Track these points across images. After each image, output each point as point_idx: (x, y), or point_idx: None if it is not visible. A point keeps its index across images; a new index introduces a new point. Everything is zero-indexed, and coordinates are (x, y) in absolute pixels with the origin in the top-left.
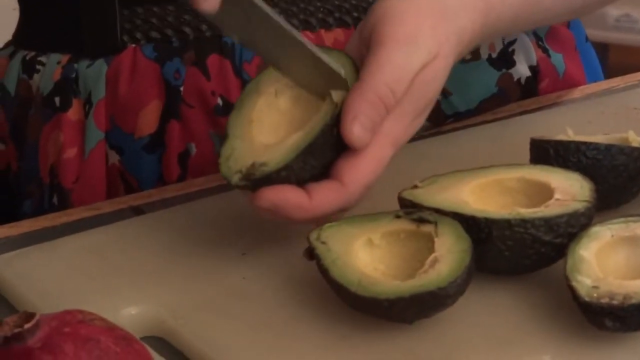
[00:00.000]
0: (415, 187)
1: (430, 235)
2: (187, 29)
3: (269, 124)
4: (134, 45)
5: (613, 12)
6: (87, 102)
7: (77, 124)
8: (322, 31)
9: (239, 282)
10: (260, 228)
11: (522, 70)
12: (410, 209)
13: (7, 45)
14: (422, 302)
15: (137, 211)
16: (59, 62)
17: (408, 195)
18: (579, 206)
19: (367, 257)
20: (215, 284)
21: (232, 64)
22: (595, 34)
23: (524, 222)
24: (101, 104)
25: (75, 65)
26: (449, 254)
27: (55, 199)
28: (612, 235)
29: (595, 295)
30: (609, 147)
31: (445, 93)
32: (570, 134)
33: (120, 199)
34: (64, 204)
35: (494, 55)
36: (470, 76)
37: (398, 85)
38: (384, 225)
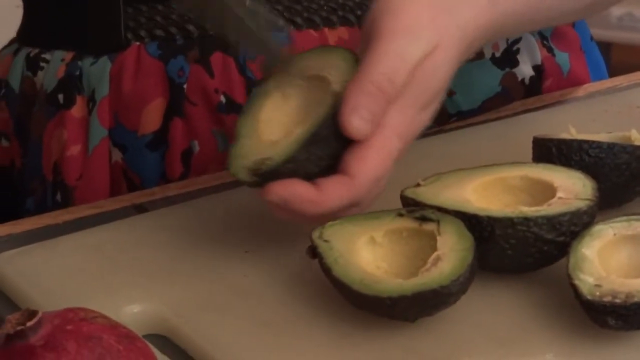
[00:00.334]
0: (418, 185)
1: (432, 233)
2: (191, 27)
3: (277, 124)
4: (138, 43)
5: (616, 11)
6: (91, 100)
7: (80, 122)
8: (326, 29)
9: (241, 280)
10: (262, 226)
11: (525, 70)
12: (412, 207)
13: (11, 42)
14: (425, 301)
15: (140, 209)
16: (62, 60)
17: (411, 193)
18: (581, 205)
19: (370, 255)
20: (217, 282)
21: (235, 61)
22: (598, 33)
23: (526, 220)
24: (105, 102)
25: (79, 63)
26: (451, 252)
27: (58, 196)
28: (615, 234)
29: (597, 293)
30: (611, 146)
31: (448, 92)
32: (573, 133)
33: (123, 197)
34: (67, 201)
35: (498, 55)
36: (474, 75)
37: (396, 75)
38: (386, 223)
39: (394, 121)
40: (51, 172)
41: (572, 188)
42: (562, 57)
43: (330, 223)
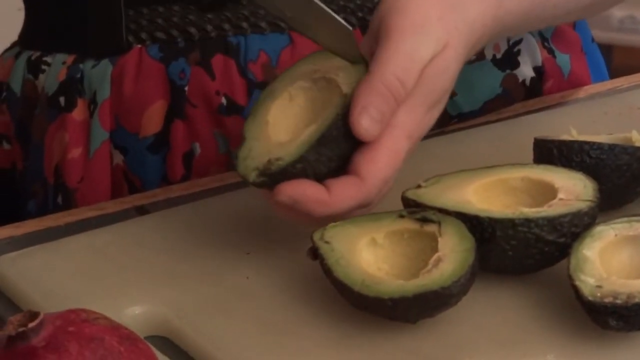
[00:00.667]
0: (419, 186)
1: (433, 234)
2: (192, 30)
3: (284, 126)
4: (139, 46)
5: (617, 13)
6: (92, 102)
7: (82, 124)
8: None
9: (242, 281)
10: (264, 228)
11: (526, 71)
12: (414, 208)
13: (12, 45)
14: (426, 302)
15: (142, 211)
16: (64, 63)
17: (412, 195)
18: (582, 206)
19: (371, 256)
20: (219, 283)
21: (236, 63)
22: (599, 35)
23: (527, 221)
24: (106, 104)
25: (81, 66)
26: (452, 253)
27: (59, 199)
28: (616, 235)
29: (598, 294)
30: (612, 147)
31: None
32: (573, 134)
33: (125, 199)
34: (69, 204)
35: (499, 56)
36: (475, 77)
37: (407, 76)
38: (387, 224)
39: (404, 121)
40: (52, 175)
41: (573, 189)
42: (563, 59)
43: (331, 224)
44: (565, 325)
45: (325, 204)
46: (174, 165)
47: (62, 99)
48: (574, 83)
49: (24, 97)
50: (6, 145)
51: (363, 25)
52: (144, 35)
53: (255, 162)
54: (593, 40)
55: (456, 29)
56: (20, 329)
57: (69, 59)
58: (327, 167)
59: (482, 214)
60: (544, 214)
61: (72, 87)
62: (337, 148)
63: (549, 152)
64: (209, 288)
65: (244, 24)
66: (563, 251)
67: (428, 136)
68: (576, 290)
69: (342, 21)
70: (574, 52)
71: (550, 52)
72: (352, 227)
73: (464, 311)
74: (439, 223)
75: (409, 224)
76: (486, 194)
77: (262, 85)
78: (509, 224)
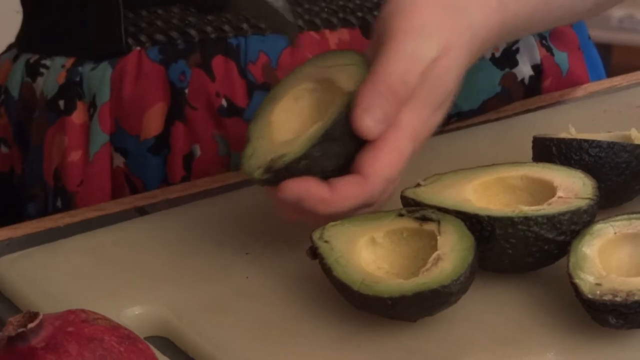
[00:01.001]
0: (418, 185)
1: (433, 233)
2: (192, 31)
3: (288, 126)
4: (139, 48)
5: (616, 12)
6: (92, 106)
7: (81, 127)
8: (327, 31)
9: (242, 281)
10: (263, 228)
11: (525, 69)
12: (413, 207)
13: (9, 47)
14: (426, 300)
15: (141, 212)
16: (63, 66)
17: (411, 193)
18: (581, 204)
19: (370, 255)
20: (219, 283)
21: (237, 65)
22: (598, 34)
23: (526, 220)
24: (106, 107)
25: (80, 69)
26: (452, 252)
27: (59, 202)
28: (615, 233)
29: (598, 292)
30: (611, 145)
31: None
32: (572, 132)
33: (124, 200)
34: (68, 207)
35: (497, 55)
36: (474, 76)
37: (409, 76)
38: (386, 223)
39: (408, 122)
40: (52, 178)
41: (572, 187)
42: (561, 57)
43: (330, 224)
44: (565, 323)
45: (327, 203)
46: (175, 167)
47: (61, 102)
48: (572, 81)
49: (22, 100)
50: (4, 149)
51: (363, 25)
52: (143, 38)
53: (260, 160)
54: (589, 37)
55: (458, 33)
56: (20, 330)
57: (68, 62)
58: (333, 164)
59: (482, 213)
60: (543, 212)
61: (72, 90)
62: (342, 145)
63: (548, 151)
64: (209, 288)
65: (244, 25)
66: (562, 249)
67: None
68: (576, 288)
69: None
70: (572, 50)
71: (549, 50)
72: (351, 226)
73: (464, 310)
74: (439, 222)
75: (408, 223)
76: (485, 193)
77: (263, 87)
78: (508, 223)
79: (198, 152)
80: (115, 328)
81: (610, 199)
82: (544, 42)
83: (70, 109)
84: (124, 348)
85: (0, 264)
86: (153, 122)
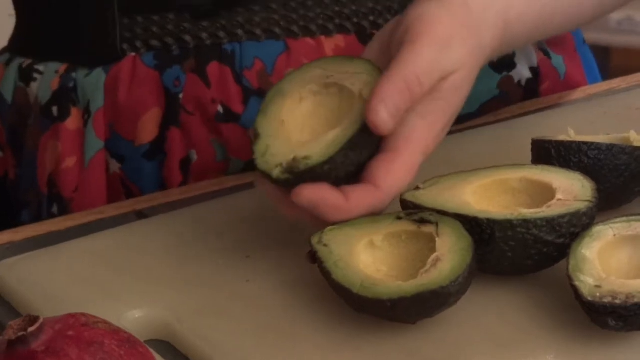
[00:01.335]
0: (417, 188)
1: (431, 235)
2: (187, 37)
3: (299, 126)
4: (133, 54)
5: (615, 15)
6: (86, 112)
7: (75, 133)
8: (323, 37)
9: (242, 285)
10: (263, 231)
11: (522, 72)
12: (411, 210)
13: (2, 51)
14: (425, 302)
15: (140, 215)
16: (56, 71)
17: (410, 197)
18: (581, 206)
19: (369, 258)
20: (218, 287)
21: (232, 71)
22: (597, 37)
23: (526, 222)
24: (100, 113)
25: (73, 74)
26: (450, 253)
27: (54, 209)
28: (615, 235)
29: (597, 294)
30: (610, 147)
31: None
32: (571, 135)
33: (123, 203)
34: (65, 213)
35: (495, 58)
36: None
37: (426, 78)
38: (385, 226)
39: (422, 136)
40: (46, 185)
41: (571, 189)
42: (558, 60)
43: (329, 227)
44: (565, 325)
45: (341, 210)
46: (172, 172)
47: (55, 109)
48: (570, 84)
49: (16, 104)
50: None
51: (358, 31)
52: (138, 44)
53: (278, 159)
54: (584, 41)
55: (473, 53)
56: (20, 334)
57: (61, 67)
58: (346, 172)
59: (481, 215)
60: (542, 215)
61: (66, 96)
62: (360, 154)
63: (547, 153)
64: (209, 291)
65: (239, 32)
66: (562, 251)
67: None
68: (575, 291)
69: None
70: (568, 53)
71: (546, 53)
72: (350, 229)
73: (463, 312)
74: (437, 223)
75: (406, 226)
76: (485, 195)
77: (258, 93)
78: (507, 225)
79: (195, 156)
80: (116, 332)
81: (609, 201)
82: (540, 45)
83: (63, 115)
84: (124, 352)
85: (1, 267)
86: (148, 127)
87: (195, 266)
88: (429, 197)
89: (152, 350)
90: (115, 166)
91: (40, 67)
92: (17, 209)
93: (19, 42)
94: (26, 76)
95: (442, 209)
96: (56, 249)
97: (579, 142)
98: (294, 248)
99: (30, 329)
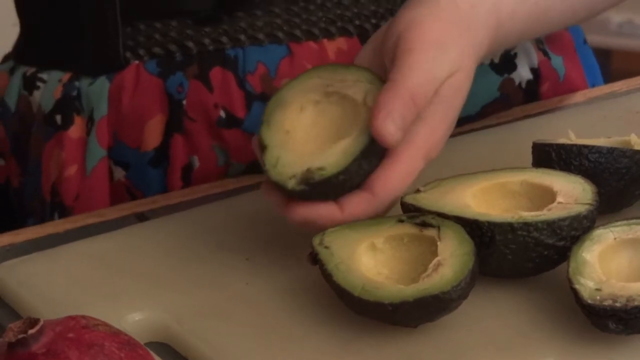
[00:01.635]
0: (418, 191)
1: (433, 239)
2: (189, 43)
3: (304, 135)
4: (137, 62)
5: (615, 17)
6: (90, 120)
7: (78, 142)
8: (325, 41)
9: (242, 287)
10: (263, 234)
11: (523, 73)
12: (413, 213)
13: (5, 59)
14: (426, 306)
15: (141, 218)
16: (60, 80)
17: (411, 199)
18: (581, 209)
19: (371, 261)
20: (219, 289)
21: (235, 76)
22: (598, 39)
23: (526, 225)
24: (103, 122)
25: (77, 83)
26: (452, 257)
27: (56, 217)
28: (615, 238)
29: (598, 297)
30: (611, 150)
31: None
32: (572, 138)
33: (124, 206)
34: None
35: (496, 60)
36: (473, 82)
37: (429, 87)
38: (387, 229)
39: (424, 139)
40: (49, 194)
41: (572, 192)
42: (557, 61)
43: (330, 230)
44: (565, 328)
45: (337, 221)
46: (174, 179)
47: (58, 117)
48: (569, 85)
49: (19, 113)
50: (0, 161)
51: (361, 34)
52: (141, 52)
53: (291, 170)
54: (585, 41)
55: (467, 53)
56: (20, 336)
57: (65, 76)
58: (359, 181)
59: (482, 218)
60: (543, 218)
61: (69, 104)
62: (371, 163)
63: (548, 156)
64: (209, 294)
65: (242, 37)
66: (562, 255)
67: None
68: (575, 294)
69: None
70: (567, 53)
71: (545, 54)
72: (351, 232)
73: (464, 315)
74: (439, 227)
75: (408, 229)
76: (485, 198)
77: (261, 97)
78: (508, 228)
79: (197, 163)
80: (116, 334)
81: (609, 205)
82: (540, 45)
83: (67, 124)
84: (124, 354)
85: (1, 269)
86: (152, 134)
87: (196, 268)
88: (430, 199)
89: (152, 353)
90: (119, 174)
91: (44, 76)
92: (22, 217)
93: (23, 51)
94: (30, 84)
95: (442, 211)
96: (56, 251)
97: (580, 145)
98: (294, 250)
99: (31, 331)
